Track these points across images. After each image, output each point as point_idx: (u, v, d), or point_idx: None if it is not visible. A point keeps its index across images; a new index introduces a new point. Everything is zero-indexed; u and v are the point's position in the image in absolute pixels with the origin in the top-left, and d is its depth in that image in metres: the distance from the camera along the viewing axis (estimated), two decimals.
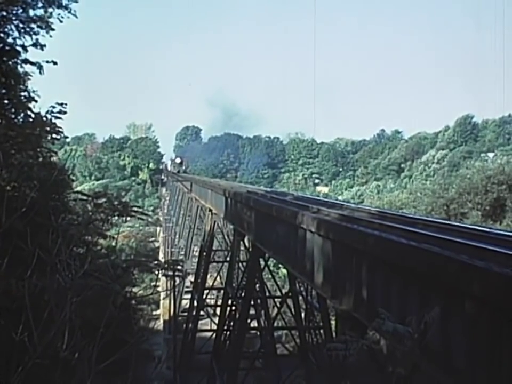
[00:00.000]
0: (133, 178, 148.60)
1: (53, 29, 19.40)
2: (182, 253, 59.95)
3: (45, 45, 19.32)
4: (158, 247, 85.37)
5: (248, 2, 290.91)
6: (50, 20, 19.31)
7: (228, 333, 31.65)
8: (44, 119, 18.10)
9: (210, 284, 44.37)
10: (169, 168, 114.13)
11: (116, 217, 18.14)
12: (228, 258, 36.21)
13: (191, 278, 48.56)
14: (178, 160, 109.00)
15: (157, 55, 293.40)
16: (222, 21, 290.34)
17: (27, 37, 18.92)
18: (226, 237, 41.00)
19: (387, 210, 17.91)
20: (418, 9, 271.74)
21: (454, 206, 39.43)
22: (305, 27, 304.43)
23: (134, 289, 21.68)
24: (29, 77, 19.10)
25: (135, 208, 20.38)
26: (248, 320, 28.20)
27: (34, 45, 19.09)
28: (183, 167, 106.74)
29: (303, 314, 28.01)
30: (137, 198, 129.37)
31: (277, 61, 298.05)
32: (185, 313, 45.98)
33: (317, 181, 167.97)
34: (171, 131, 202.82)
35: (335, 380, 13.00)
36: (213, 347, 33.17)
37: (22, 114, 18.63)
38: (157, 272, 19.73)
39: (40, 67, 18.82)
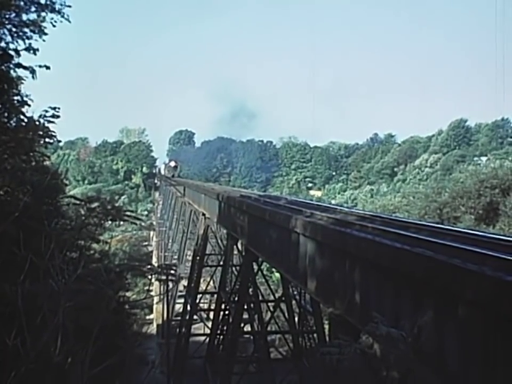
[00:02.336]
0: (126, 182, 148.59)
1: (45, 33, 19.41)
2: (175, 257, 59.93)
3: (37, 49, 19.33)
4: (152, 252, 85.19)
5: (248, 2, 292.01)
6: (43, 24, 19.33)
7: (221, 337, 31.64)
8: (37, 123, 18.11)
9: (204, 288, 44.32)
10: (162, 172, 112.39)
11: (109, 222, 18.16)
12: (221, 263, 36.18)
13: (184, 282, 48.49)
14: (172, 164, 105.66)
15: (151, 57, 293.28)
16: (223, 18, 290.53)
17: (20, 41, 18.95)
18: (219, 241, 40.94)
19: (380, 214, 17.91)
20: (412, 14, 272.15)
21: (447, 210, 39.45)
22: (308, 29, 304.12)
23: (127, 294, 21.69)
24: (22, 81, 19.09)
25: (128, 213, 20.43)
26: (242, 324, 28.18)
27: (27, 49, 19.08)
28: (178, 171, 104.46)
29: (296, 319, 28.00)
30: (130, 202, 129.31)
31: (278, 62, 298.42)
32: (179, 318, 45.90)
33: (310, 185, 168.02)
34: (164, 135, 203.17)
35: None
36: (206, 351, 33.13)
37: (15, 119, 18.61)
38: (150, 277, 19.76)
39: (33, 71, 18.82)
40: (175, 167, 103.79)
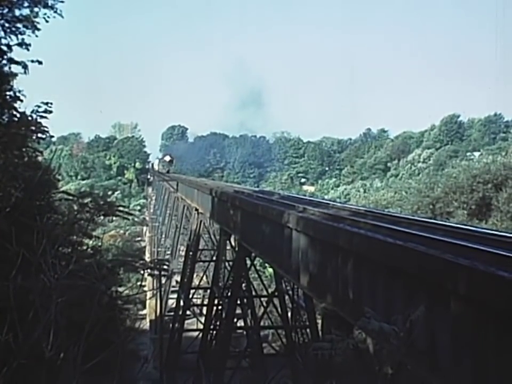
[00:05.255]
0: (119, 178, 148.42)
1: (38, 29, 19.34)
2: (168, 252, 59.93)
3: (30, 45, 19.26)
4: (144, 247, 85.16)
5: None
6: (36, 19, 19.26)
7: (215, 332, 31.64)
8: (29, 118, 18.03)
9: (197, 283, 44.36)
10: (155, 168, 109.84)
11: (102, 217, 18.10)
12: (214, 258, 36.17)
13: (177, 277, 48.54)
14: (168, 158, 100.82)
15: (146, 51, 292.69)
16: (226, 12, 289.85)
17: (12, 36, 18.86)
18: (212, 236, 40.95)
19: (373, 209, 17.95)
20: (405, 8, 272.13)
21: (439, 205, 39.50)
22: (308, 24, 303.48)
23: (120, 289, 21.62)
24: (15, 77, 19.02)
25: (121, 208, 20.35)
26: (235, 320, 28.22)
27: (20, 44, 19.02)
28: (173, 166, 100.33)
29: (289, 314, 28.03)
30: (123, 198, 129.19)
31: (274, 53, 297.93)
32: (172, 313, 45.91)
33: (303, 180, 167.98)
34: (157, 130, 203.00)
35: (321, 379, 13.03)
36: (199, 346, 33.16)
37: (7, 114, 18.53)
38: (143, 272, 19.70)
39: (25, 66, 18.74)
40: (171, 161, 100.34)
